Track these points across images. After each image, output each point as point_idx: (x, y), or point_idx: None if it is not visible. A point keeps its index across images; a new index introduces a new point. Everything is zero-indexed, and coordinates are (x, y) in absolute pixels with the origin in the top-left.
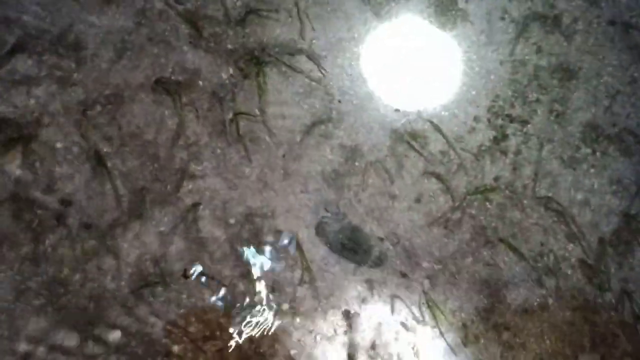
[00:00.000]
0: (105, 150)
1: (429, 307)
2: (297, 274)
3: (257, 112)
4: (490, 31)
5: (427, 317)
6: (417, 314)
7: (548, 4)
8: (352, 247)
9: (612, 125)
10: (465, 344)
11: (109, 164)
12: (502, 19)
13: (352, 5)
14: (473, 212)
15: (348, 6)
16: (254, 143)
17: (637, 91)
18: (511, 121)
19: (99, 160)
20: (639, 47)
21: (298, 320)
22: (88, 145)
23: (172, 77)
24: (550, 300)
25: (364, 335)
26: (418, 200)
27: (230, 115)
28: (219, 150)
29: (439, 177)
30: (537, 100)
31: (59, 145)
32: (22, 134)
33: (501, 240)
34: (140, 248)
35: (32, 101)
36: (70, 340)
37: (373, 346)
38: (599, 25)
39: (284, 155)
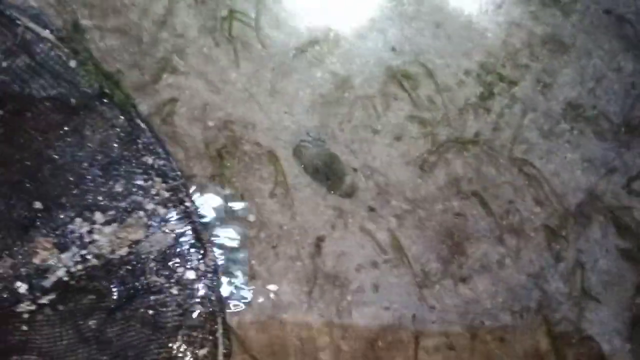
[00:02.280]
0: (83, 22)
1: (393, 246)
2: (269, 186)
3: (253, 15)
4: None
5: (391, 255)
6: (381, 251)
7: None
8: (326, 172)
9: (593, 108)
10: (421, 287)
11: (86, 36)
12: None
13: None
14: (449, 158)
15: None
16: (244, 49)
17: (622, 79)
18: (500, 80)
19: (76, 29)
20: (630, 38)
21: (262, 234)
22: (65, 10)
23: None
24: (508, 260)
25: (325, 261)
26: (398, 139)
27: (225, 13)
28: (205, 49)
29: (423, 121)
30: (527, 66)
31: (33, 3)
32: None
33: (473, 193)
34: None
35: None
36: None
37: (334, 273)
38: (595, 11)
39: (273, 69)
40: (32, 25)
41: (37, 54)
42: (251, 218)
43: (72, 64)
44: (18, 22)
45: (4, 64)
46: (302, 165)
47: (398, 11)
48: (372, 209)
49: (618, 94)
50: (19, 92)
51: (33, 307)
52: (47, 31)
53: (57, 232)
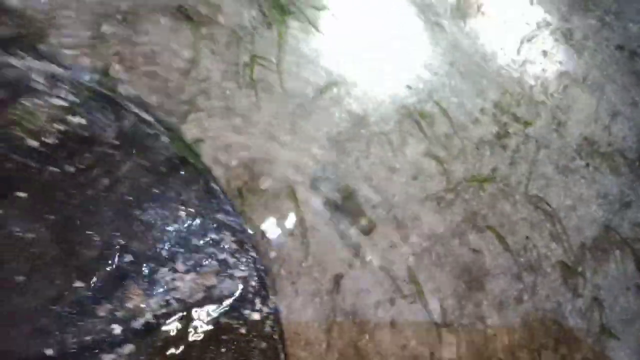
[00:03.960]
0: (115, 66)
1: (411, 282)
2: (288, 223)
3: (274, 60)
4: (505, 29)
5: (408, 292)
6: (399, 288)
7: (563, 18)
8: (345, 209)
9: (608, 144)
10: (438, 325)
11: (117, 84)
12: (517, 24)
13: None
14: (467, 196)
15: None
16: (265, 91)
17: (636, 114)
18: (515, 120)
19: (106, 77)
20: None
21: (283, 271)
22: (98, 57)
23: (194, 7)
24: (526, 296)
25: (345, 298)
26: (415, 177)
27: (247, 58)
28: (229, 92)
29: (439, 159)
30: (542, 103)
31: (68, 52)
32: (30, 30)
33: (489, 227)
34: None
35: None
36: None
37: (353, 310)
38: (607, 46)
39: (293, 110)
40: (138, 110)
41: (139, 132)
42: (272, 255)
43: (164, 139)
44: (128, 109)
45: (115, 142)
46: (322, 202)
47: (412, 50)
48: (391, 246)
49: (632, 129)
50: (120, 160)
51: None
52: (149, 115)
53: (145, 281)
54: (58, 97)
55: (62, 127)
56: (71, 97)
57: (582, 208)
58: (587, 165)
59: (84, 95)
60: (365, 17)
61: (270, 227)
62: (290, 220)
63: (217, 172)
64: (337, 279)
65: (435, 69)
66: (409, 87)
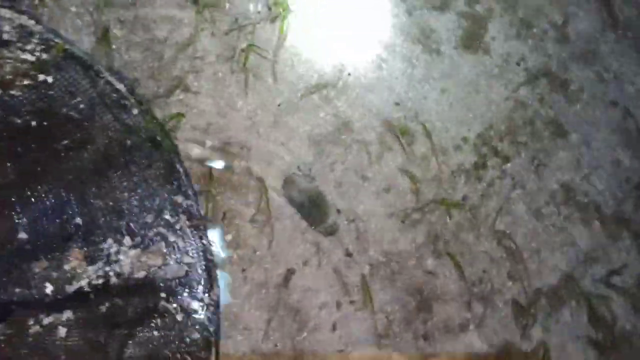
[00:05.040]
0: (114, 31)
1: (363, 291)
2: (251, 211)
3: (270, 53)
4: (504, 69)
5: (356, 299)
6: (348, 294)
7: (563, 66)
8: (311, 208)
9: (584, 195)
10: (381, 336)
11: (113, 46)
12: (518, 64)
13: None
14: (432, 219)
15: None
16: (256, 81)
17: (617, 172)
18: (494, 154)
19: (105, 38)
20: (631, 134)
21: (235, 255)
22: (100, 20)
23: None
24: (472, 326)
25: (292, 294)
26: (386, 191)
27: (244, 45)
28: (220, 74)
29: (413, 177)
30: (525, 144)
31: (72, 9)
32: None
33: (449, 254)
34: None
35: None
36: None
37: (297, 307)
38: (602, 101)
39: (280, 104)
40: (112, 78)
41: (108, 101)
42: (228, 237)
43: (135, 111)
44: (102, 75)
45: (82, 106)
46: (289, 197)
47: (409, 72)
48: (348, 254)
49: (612, 186)
50: (86, 125)
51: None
52: (122, 85)
53: (90, 247)
54: (27, 51)
55: (28, 82)
56: (41, 54)
57: (547, 253)
58: (559, 212)
59: (54, 53)
60: (366, 30)
61: (232, 210)
62: (254, 209)
63: (192, 148)
64: (289, 274)
65: (426, 93)
66: (397, 103)
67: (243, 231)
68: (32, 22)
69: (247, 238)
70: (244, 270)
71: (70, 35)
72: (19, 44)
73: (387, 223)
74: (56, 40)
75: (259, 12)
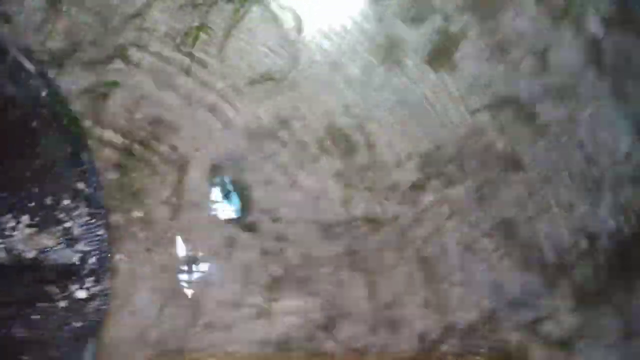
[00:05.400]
0: None
1: (265, 294)
2: (167, 192)
3: (221, 36)
4: (467, 91)
5: (260, 303)
6: (252, 295)
7: (533, 100)
8: (232, 200)
9: (527, 235)
10: (278, 346)
11: (63, 7)
12: (485, 87)
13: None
14: (356, 234)
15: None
16: (200, 63)
17: (569, 219)
18: (436, 176)
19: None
20: (591, 182)
21: (142, 234)
22: None
23: None
24: (374, 349)
25: (192, 284)
26: (317, 198)
27: (196, 24)
28: (166, 50)
29: (347, 186)
30: (473, 173)
31: None
32: None
33: (365, 272)
34: None
35: None
36: None
37: (194, 299)
38: (568, 142)
39: (222, 89)
40: (21, 58)
41: (17, 80)
42: (136, 214)
43: (44, 93)
44: (12, 54)
45: None
46: (212, 186)
47: (365, 80)
48: (264, 252)
49: (560, 232)
50: None
51: None
52: (31, 65)
53: None
54: None
55: None
56: None
57: (471, 289)
58: (496, 249)
59: None
60: (329, 27)
61: (147, 189)
62: (170, 189)
63: (118, 118)
64: (192, 262)
65: (379, 103)
66: (346, 109)
67: (155, 212)
68: None
69: (159, 218)
70: (148, 249)
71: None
72: None
73: (308, 229)
74: None
75: None
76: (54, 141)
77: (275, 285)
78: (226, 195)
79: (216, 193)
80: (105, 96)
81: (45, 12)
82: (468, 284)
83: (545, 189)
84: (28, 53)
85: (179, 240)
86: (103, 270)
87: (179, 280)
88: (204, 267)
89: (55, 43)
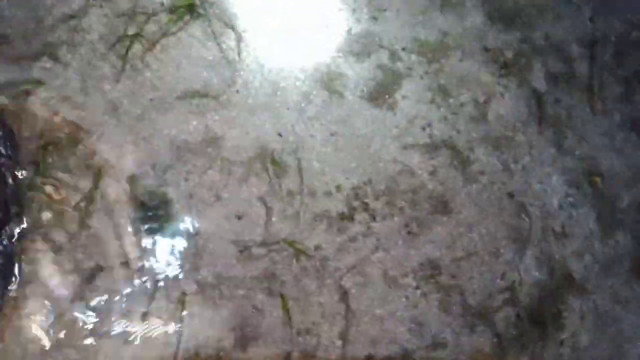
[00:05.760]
0: None
1: (177, 308)
2: (78, 197)
3: (157, 47)
4: (404, 130)
5: (166, 316)
6: (160, 308)
7: (470, 145)
8: (151, 211)
9: (451, 277)
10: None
11: None
12: (422, 129)
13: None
14: (276, 258)
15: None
16: (132, 70)
17: (494, 265)
18: (365, 210)
19: None
20: (520, 231)
21: (49, 236)
22: None
23: None
24: None
25: (94, 292)
26: (239, 217)
27: (131, 32)
28: (98, 54)
29: (270, 210)
30: (401, 210)
31: None
32: None
33: (282, 295)
34: None
35: None
36: None
37: (98, 307)
38: (499, 190)
39: (152, 99)
40: None
41: None
42: (45, 216)
43: None
44: None
45: None
46: (130, 194)
47: (302, 106)
48: (180, 266)
49: (484, 276)
50: None
51: None
52: None
53: None
54: None
55: None
56: None
57: (390, 324)
58: (417, 287)
59: None
60: (271, 51)
61: (60, 189)
62: (83, 192)
63: (37, 118)
64: (95, 271)
65: (313, 131)
66: (279, 134)
67: (64, 214)
68: None
69: (67, 222)
70: (56, 251)
71: None
72: None
73: (226, 248)
74: None
75: (162, 3)
76: None
77: (188, 301)
78: (143, 205)
79: (134, 201)
80: (27, 93)
81: None
82: (387, 318)
83: (472, 233)
84: None
85: (81, 247)
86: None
87: (80, 288)
88: (108, 276)
89: None
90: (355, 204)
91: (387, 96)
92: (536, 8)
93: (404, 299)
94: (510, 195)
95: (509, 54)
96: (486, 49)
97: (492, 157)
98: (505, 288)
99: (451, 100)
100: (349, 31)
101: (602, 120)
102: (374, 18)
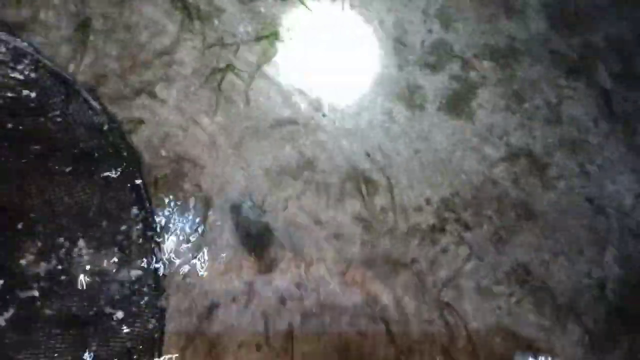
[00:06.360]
0: (94, 24)
1: (284, 339)
2: (190, 228)
3: (247, 77)
4: (484, 140)
5: (278, 346)
6: (268, 339)
7: (547, 150)
8: (254, 241)
9: (541, 281)
10: None
11: (90, 37)
12: (500, 138)
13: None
14: (375, 276)
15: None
16: (227, 102)
17: (579, 264)
18: (456, 220)
19: (83, 29)
20: (599, 233)
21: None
22: (84, 11)
23: (196, 1)
24: None
25: (212, 327)
26: (337, 237)
27: (223, 65)
28: (192, 88)
29: (368, 228)
30: (489, 218)
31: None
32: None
33: (384, 320)
34: None
35: None
36: None
37: (216, 340)
38: (578, 194)
39: (247, 128)
40: (87, 95)
41: (82, 116)
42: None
43: (106, 127)
44: (81, 94)
45: (59, 119)
46: (235, 225)
47: (386, 126)
48: (282, 300)
49: (571, 276)
50: (59, 136)
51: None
52: (96, 103)
53: (46, 243)
54: (17, 70)
55: (12, 95)
56: (29, 74)
57: (488, 335)
58: (511, 294)
59: (40, 72)
60: (352, 75)
61: (168, 220)
62: (191, 225)
63: (145, 155)
64: (213, 308)
65: (399, 149)
66: (367, 154)
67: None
68: (25, 44)
69: (179, 259)
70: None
71: (50, 20)
72: (11, 64)
73: (329, 273)
74: (45, 61)
75: (247, 33)
76: (113, 168)
77: (295, 334)
78: (248, 234)
79: (239, 232)
80: (131, 131)
81: (72, 44)
82: (485, 329)
83: (556, 237)
84: (93, 93)
85: (197, 290)
86: (159, 288)
87: (200, 324)
88: (225, 312)
89: (82, 76)
90: (446, 214)
91: (464, 106)
92: (596, 10)
93: (497, 310)
94: (589, 199)
95: (575, 56)
96: (552, 52)
97: (569, 160)
98: (592, 285)
99: (526, 106)
100: (422, 43)
101: None
102: (445, 28)
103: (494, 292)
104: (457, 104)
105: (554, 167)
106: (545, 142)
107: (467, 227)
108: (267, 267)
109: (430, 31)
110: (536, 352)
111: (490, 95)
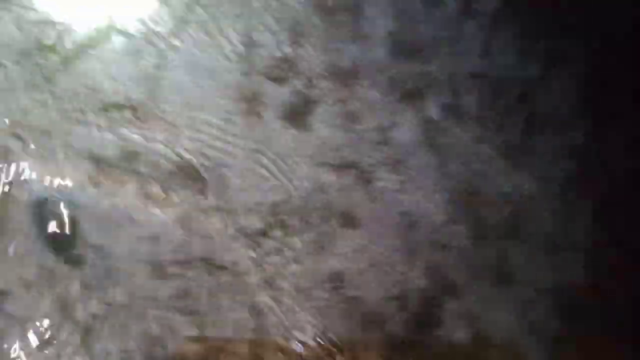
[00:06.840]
0: None
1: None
2: None
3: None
4: (317, 153)
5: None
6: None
7: (372, 168)
8: (60, 234)
9: (354, 289)
10: None
11: None
12: (334, 151)
13: None
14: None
15: None
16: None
17: (390, 275)
18: (282, 226)
19: None
20: (411, 245)
21: None
22: None
23: None
24: None
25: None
26: (154, 238)
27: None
28: None
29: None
30: (314, 225)
31: None
32: None
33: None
34: None
35: None
36: None
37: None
38: (396, 208)
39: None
40: None
41: None
42: None
43: None
44: None
45: None
46: (37, 214)
47: (224, 127)
48: (85, 286)
49: (382, 285)
50: None
51: None
52: None
53: None
54: None
55: None
56: None
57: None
58: (327, 299)
59: None
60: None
61: None
62: None
63: None
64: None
65: (236, 152)
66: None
67: None
68: None
69: None
70: None
71: None
72: None
73: (140, 268)
74: None
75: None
76: None
77: (92, 326)
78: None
79: (41, 221)
80: None
81: None
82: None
83: (374, 246)
84: None
85: None
86: None
87: None
88: (17, 300)
89: None
90: (273, 220)
91: (301, 119)
92: (436, 43)
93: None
94: (405, 213)
95: (410, 85)
96: (390, 78)
97: (391, 176)
98: (398, 296)
99: (359, 126)
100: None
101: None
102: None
103: (312, 296)
104: (296, 116)
105: (377, 182)
106: (373, 160)
107: (292, 233)
108: (71, 260)
109: (279, 44)
110: None
111: (328, 113)
